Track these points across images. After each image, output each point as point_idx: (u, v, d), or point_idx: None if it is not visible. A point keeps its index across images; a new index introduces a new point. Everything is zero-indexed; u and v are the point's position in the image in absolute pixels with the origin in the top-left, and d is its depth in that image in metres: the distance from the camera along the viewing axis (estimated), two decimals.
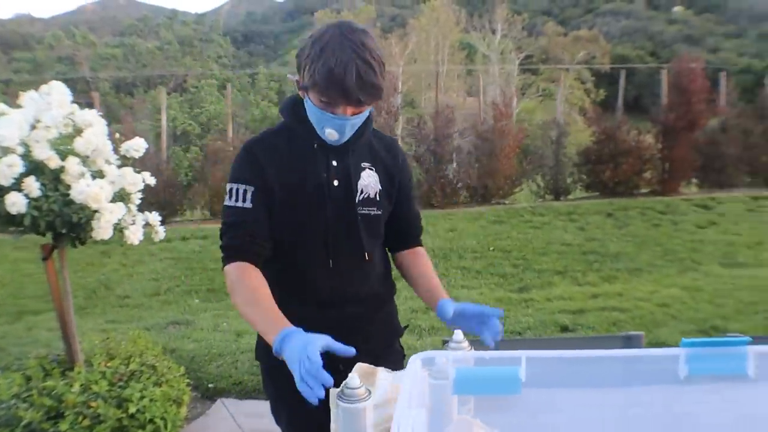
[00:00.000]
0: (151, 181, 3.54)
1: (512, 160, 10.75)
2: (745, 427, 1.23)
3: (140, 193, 3.51)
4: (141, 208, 3.51)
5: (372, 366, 1.55)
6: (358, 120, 1.67)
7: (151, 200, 3.59)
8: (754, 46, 69.71)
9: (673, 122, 11.20)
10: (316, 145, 1.74)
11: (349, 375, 1.32)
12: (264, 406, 3.99)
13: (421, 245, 2.02)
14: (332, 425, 1.46)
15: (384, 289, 1.94)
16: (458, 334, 1.49)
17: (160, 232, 3.60)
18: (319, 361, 1.31)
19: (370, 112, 1.78)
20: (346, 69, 1.52)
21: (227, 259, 1.69)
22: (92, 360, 3.67)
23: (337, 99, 1.58)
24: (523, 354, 1.23)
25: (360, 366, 1.53)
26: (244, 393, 4.26)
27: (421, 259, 1.96)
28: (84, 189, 3.10)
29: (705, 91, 11.49)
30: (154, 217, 3.58)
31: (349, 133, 1.69)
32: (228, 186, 1.72)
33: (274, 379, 1.88)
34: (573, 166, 11.54)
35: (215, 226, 9.26)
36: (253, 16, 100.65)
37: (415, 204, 2.01)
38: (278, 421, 1.99)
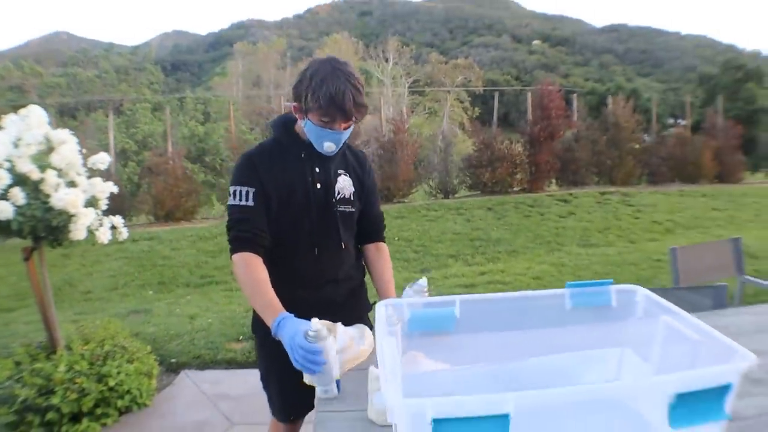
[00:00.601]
0: (115, 189, 3.57)
1: (409, 166, 10.97)
2: (611, 341, 1.47)
3: (106, 199, 3.52)
4: (105, 213, 3.52)
5: (331, 322, 1.66)
6: (347, 133, 1.80)
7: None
8: (596, 73, 73.88)
9: (537, 134, 11.72)
10: (303, 155, 1.85)
11: (312, 321, 1.46)
12: (221, 375, 4.10)
13: (383, 241, 2.10)
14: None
15: (356, 273, 2.03)
16: (424, 282, 1.70)
17: (124, 232, 3.61)
18: (311, 347, 1.42)
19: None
20: (344, 96, 1.68)
21: (235, 250, 1.78)
22: (71, 345, 3.64)
23: (338, 118, 1.72)
24: (457, 298, 1.43)
25: (322, 321, 1.62)
26: (202, 365, 4.26)
27: (383, 258, 2.03)
28: (63, 196, 3.12)
29: (561, 109, 12.10)
30: (118, 220, 3.59)
31: (341, 144, 1.80)
32: (232, 188, 1.81)
33: (267, 349, 1.93)
34: (458, 171, 11.88)
35: (160, 229, 9.17)
36: (179, 47, 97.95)
37: (379, 205, 2.10)
38: (267, 388, 2.05)
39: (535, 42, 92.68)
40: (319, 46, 53.15)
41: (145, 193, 10.15)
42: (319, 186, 1.85)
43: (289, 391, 1.92)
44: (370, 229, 2.04)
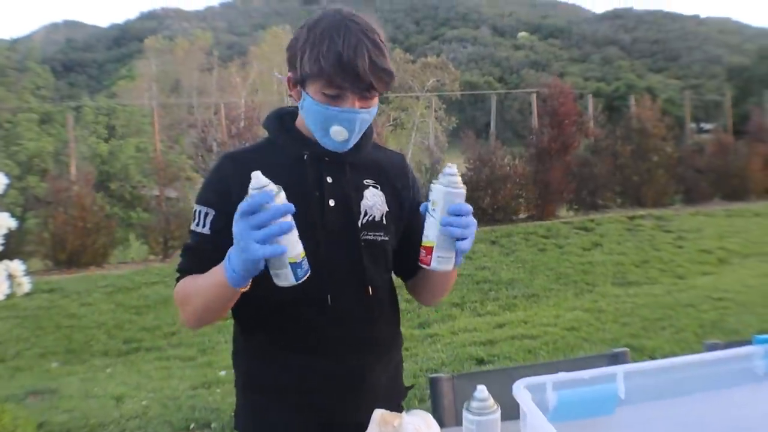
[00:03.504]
0: (12, 223, 3.24)
1: None
2: None
3: (1, 238, 3.20)
4: None
5: (391, 412, 1.45)
6: (368, 116, 1.54)
7: None
8: (599, 70, 75.60)
9: (547, 146, 11.73)
10: (306, 156, 1.60)
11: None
12: None
13: None
14: None
15: (391, 335, 1.79)
16: (482, 391, 1.33)
17: (25, 283, 3.29)
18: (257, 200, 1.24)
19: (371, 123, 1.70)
20: (356, 51, 1.43)
21: (177, 281, 1.60)
22: None
23: (347, 86, 1.46)
24: (619, 369, 1.19)
25: (379, 413, 1.44)
26: None
27: None
28: None
29: (575, 114, 12.15)
30: (17, 267, 3.26)
31: (357, 133, 1.55)
32: (194, 207, 1.62)
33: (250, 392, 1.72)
34: None
35: (62, 278, 8.79)
36: (73, 43, 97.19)
37: None
38: None
39: (522, 34, 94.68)
40: (253, 42, 53.19)
41: (40, 230, 9.75)
42: (332, 203, 1.59)
43: None
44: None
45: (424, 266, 1.48)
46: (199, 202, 1.60)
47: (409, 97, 42.23)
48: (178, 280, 1.60)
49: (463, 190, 1.44)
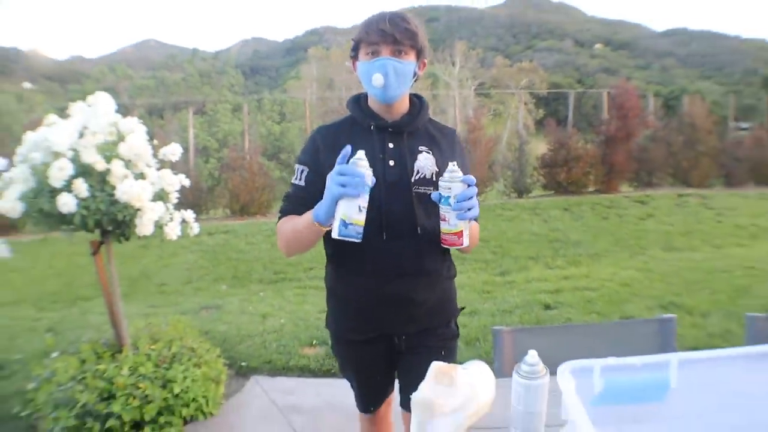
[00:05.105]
0: (186, 182, 3.17)
1: (484, 165, 10.36)
2: None
3: (177, 193, 3.12)
4: (177, 207, 3.12)
5: (448, 365, 1.24)
6: (401, 66, 1.55)
7: (181, 201, 3.20)
8: (658, 76, 70.45)
9: (614, 133, 10.93)
10: (372, 126, 1.64)
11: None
12: (293, 384, 3.62)
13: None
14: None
15: (439, 268, 1.72)
16: (532, 356, 1.09)
17: (195, 228, 3.23)
18: (346, 168, 1.36)
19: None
20: (380, 16, 1.55)
21: (279, 220, 1.69)
22: (138, 343, 3.26)
23: (378, 41, 1.52)
24: (674, 357, 0.85)
25: (437, 366, 1.23)
26: (274, 371, 3.80)
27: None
28: (128, 189, 2.74)
29: (638, 109, 11.27)
30: (189, 215, 3.19)
31: (394, 79, 1.55)
32: (295, 165, 1.70)
33: (340, 346, 1.87)
34: (533, 170, 11.21)
35: (235, 223, 8.91)
36: (258, 53, 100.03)
37: None
38: (346, 378, 1.95)
39: (597, 45, 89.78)
40: None
41: (223, 187, 9.97)
42: (392, 163, 1.62)
43: (364, 383, 1.89)
44: None
45: (457, 248, 1.50)
46: (298, 161, 1.68)
47: (506, 93, 41.03)
48: (279, 219, 1.69)
49: (460, 180, 1.44)
